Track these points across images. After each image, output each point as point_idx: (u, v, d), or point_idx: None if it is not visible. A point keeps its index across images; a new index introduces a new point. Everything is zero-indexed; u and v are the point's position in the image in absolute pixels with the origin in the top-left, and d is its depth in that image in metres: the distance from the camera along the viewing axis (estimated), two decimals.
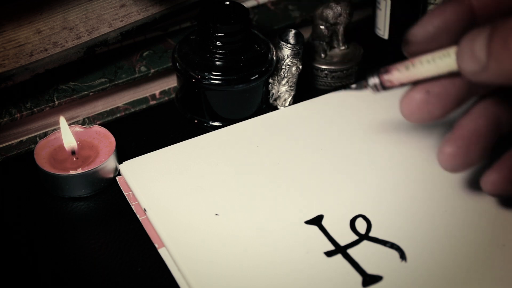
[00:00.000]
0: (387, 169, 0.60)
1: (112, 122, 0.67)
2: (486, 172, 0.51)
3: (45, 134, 0.65)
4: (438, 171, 0.59)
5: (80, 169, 0.58)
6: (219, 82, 0.63)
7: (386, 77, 0.50)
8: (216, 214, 0.56)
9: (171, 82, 0.70)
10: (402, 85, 0.50)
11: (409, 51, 0.50)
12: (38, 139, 0.64)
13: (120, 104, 0.68)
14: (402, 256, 0.52)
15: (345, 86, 0.52)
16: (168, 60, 0.68)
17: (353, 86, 0.52)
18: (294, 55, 0.64)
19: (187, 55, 0.64)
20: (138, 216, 0.58)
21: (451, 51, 0.47)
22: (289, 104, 0.67)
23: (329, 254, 0.53)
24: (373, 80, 0.51)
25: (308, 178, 0.59)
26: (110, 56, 0.67)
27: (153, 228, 0.56)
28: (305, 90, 0.69)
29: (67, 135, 0.60)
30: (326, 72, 0.70)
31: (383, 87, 0.51)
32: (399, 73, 0.50)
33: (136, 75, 0.67)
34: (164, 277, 0.53)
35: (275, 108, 0.67)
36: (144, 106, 0.69)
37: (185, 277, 0.52)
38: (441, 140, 0.62)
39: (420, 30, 0.49)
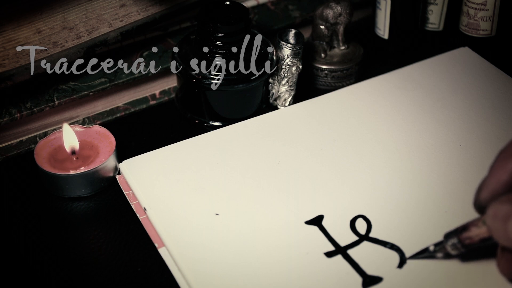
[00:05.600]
0: (387, 169, 0.60)
1: (112, 122, 0.67)
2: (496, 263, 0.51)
3: (45, 134, 0.65)
4: (438, 172, 0.59)
5: (80, 169, 0.58)
6: (219, 82, 0.63)
7: (465, 235, 0.49)
8: (216, 214, 0.56)
9: (171, 82, 0.70)
10: (483, 240, 0.49)
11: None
12: (38, 139, 0.64)
13: (120, 104, 0.68)
14: (402, 257, 0.52)
15: (425, 250, 0.52)
16: (168, 60, 0.68)
17: (431, 248, 0.51)
18: (294, 55, 0.64)
19: (187, 55, 0.64)
20: (138, 215, 0.58)
21: None
22: (289, 104, 0.67)
23: (329, 254, 0.53)
24: (452, 240, 0.50)
25: (308, 178, 0.59)
26: (110, 56, 0.67)
27: (153, 228, 0.56)
28: (305, 90, 0.69)
29: (70, 139, 0.60)
30: (326, 72, 0.70)
31: (463, 245, 0.50)
32: (478, 229, 0.49)
33: (136, 75, 0.67)
34: (164, 277, 0.53)
35: (275, 108, 0.67)
36: (144, 106, 0.69)
37: (185, 277, 0.52)
38: (442, 141, 0.62)
39: (487, 194, 0.48)
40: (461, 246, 0.50)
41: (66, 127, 0.60)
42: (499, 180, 0.48)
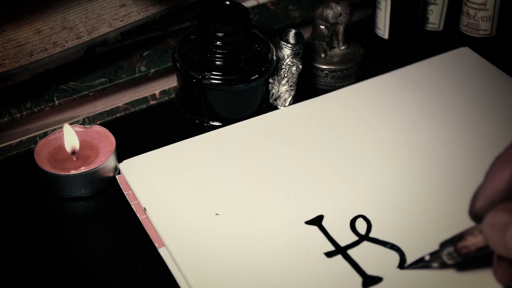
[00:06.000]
0: (387, 169, 0.60)
1: (112, 122, 0.67)
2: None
3: (45, 134, 0.65)
4: (438, 172, 0.59)
5: (80, 169, 0.58)
6: (219, 82, 0.63)
7: (461, 244, 0.49)
8: (216, 214, 0.56)
9: (171, 82, 0.70)
10: (479, 249, 0.48)
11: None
12: (38, 139, 0.64)
13: (120, 104, 0.68)
14: (402, 257, 0.52)
15: (420, 260, 0.51)
16: (168, 60, 0.68)
17: (427, 258, 0.51)
18: (294, 55, 0.64)
19: (187, 55, 0.64)
20: (138, 215, 0.58)
21: None
22: (289, 104, 0.67)
23: (329, 254, 0.53)
24: (448, 250, 0.49)
25: (308, 178, 0.59)
26: (110, 56, 0.67)
27: (153, 228, 0.56)
28: (305, 90, 0.69)
29: (71, 139, 0.60)
30: (326, 72, 0.70)
31: (460, 254, 0.49)
32: (474, 238, 0.48)
33: (136, 75, 0.67)
34: (164, 277, 0.53)
35: (275, 108, 0.67)
36: (144, 106, 0.69)
37: (185, 277, 0.52)
38: (442, 141, 0.62)
39: (483, 203, 0.48)
40: (457, 255, 0.49)
41: (67, 128, 0.60)
42: (495, 188, 0.47)
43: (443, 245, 0.50)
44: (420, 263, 0.51)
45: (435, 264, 0.51)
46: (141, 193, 0.58)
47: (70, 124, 0.61)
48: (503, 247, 0.45)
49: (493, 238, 0.45)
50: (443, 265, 0.51)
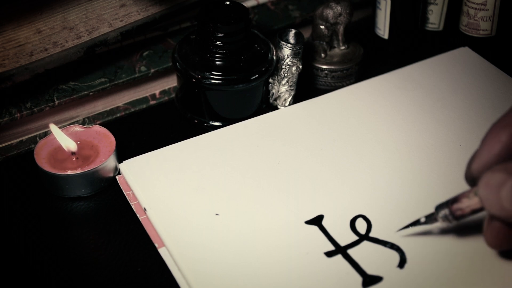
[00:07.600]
0: (387, 169, 0.60)
1: (112, 122, 0.67)
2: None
3: (45, 134, 0.65)
4: (438, 172, 0.59)
5: (80, 169, 0.58)
6: (219, 82, 0.63)
7: (456, 206, 0.49)
8: (216, 214, 0.56)
9: (171, 82, 0.70)
10: (474, 212, 0.49)
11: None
12: (38, 139, 0.64)
13: (120, 104, 0.68)
14: (402, 257, 0.52)
15: (415, 223, 0.52)
16: (168, 60, 0.68)
17: (423, 220, 0.52)
18: (294, 55, 0.64)
19: (187, 55, 0.64)
20: (138, 215, 0.58)
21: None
22: (289, 104, 0.67)
23: (329, 254, 0.53)
24: (444, 212, 0.50)
25: (308, 178, 0.59)
26: (110, 56, 0.67)
27: (153, 228, 0.56)
28: (305, 90, 0.69)
29: (63, 140, 0.60)
30: (326, 72, 0.70)
31: (455, 217, 0.50)
32: (469, 200, 0.49)
33: (136, 75, 0.67)
34: (164, 277, 0.53)
35: (275, 108, 0.67)
36: (144, 106, 0.69)
37: (185, 277, 0.52)
38: (442, 141, 0.62)
39: (479, 165, 0.48)
40: (452, 217, 0.50)
41: (53, 128, 0.60)
42: (490, 152, 0.47)
43: (439, 207, 0.51)
44: (415, 225, 0.52)
45: (433, 228, 0.52)
46: (141, 193, 0.58)
47: (70, 124, 0.61)
48: (497, 206, 0.45)
49: (488, 197, 0.46)
50: (442, 231, 0.52)
